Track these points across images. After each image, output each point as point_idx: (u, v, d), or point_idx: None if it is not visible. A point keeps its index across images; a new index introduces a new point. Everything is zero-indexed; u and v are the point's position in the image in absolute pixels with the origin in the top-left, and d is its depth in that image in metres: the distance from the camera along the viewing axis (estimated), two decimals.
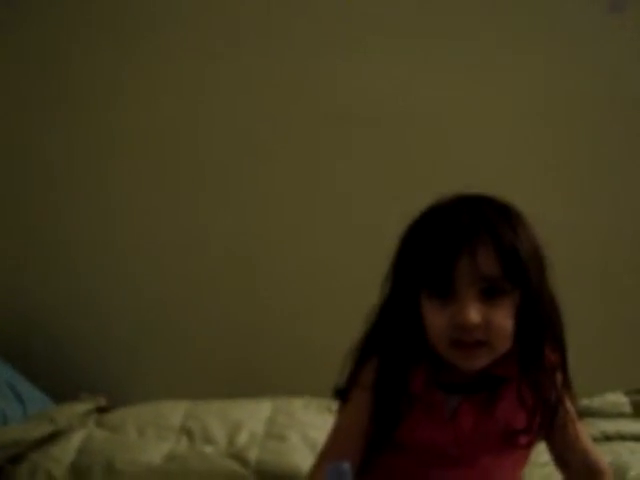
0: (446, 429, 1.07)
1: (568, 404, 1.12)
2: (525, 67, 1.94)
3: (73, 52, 2.00)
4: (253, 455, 1.48)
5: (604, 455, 1.32)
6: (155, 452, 1.49)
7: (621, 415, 1.62)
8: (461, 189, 1.09)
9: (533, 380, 1.07)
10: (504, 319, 1.02)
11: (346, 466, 0.86)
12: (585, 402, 1.64)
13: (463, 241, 1.01)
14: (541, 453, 1.22)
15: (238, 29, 1.98)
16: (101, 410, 1.68)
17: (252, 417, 1.62)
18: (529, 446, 1.11)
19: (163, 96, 2.00)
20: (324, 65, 1.96)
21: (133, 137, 2.02)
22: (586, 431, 1.18)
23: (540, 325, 1.05)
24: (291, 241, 2.00)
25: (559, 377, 1.10)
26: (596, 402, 1.65)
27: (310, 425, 1.57)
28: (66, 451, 1.48)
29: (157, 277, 2.03)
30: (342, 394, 1.14)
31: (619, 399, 1.66)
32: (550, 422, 1.09)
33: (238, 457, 1.47)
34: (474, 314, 0.99)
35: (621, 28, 1.91)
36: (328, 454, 1.10)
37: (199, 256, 2.02)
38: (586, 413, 1.61)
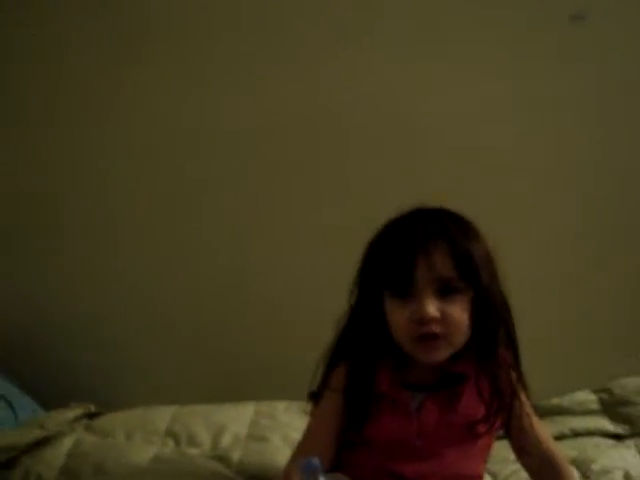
0: (411, 423, 1.15)
1: (523, 397, 1.20)
2: (524, 70, 1.96)
3: (72, 52, 2.01)
4: (236, 456, 1.51)
5: (567, 449, 1.41)
6: (142, 455, 1.51)
7: (589, 412, 1.67)
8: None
9: (489, 371, 1.16)
10: (459, 313, 1.11)
11: (316, 461, 0.94)
12: (556, 401, 1.70)
13: (420, 245, 1.11)
14: (511, 451, 1.29)
15: (238, 30, 1.98)
16: (90, 416, 1.70)
17: (235, 420, 1.65)
18: (488, 434, 1.19)
19: (162, 108, 2.00)
20: (325, 68, 1.97)
21: (137, 146, 2.02)
22: (541, 423, 1.26)
23: (492, 320, 1.15)
24: (278, 252, 2.02)
25: (513, 374, 1.19)
26: (566, 401, 1.70)
27: (291, 426, 1.60)
28: (56, 455, 1.50)
29: (145, 284, 2.04)
30: (315, 396, 1.23)
31: (587, 397, 1.71)
32: (507, 410, 1.17)
33: (222, 458, 1.50)
34: (432, 308, 1.09)
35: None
36: (301, 452, 1.17)
37: (193, 264, 2.03)
38: (557, 411, 1.68)
